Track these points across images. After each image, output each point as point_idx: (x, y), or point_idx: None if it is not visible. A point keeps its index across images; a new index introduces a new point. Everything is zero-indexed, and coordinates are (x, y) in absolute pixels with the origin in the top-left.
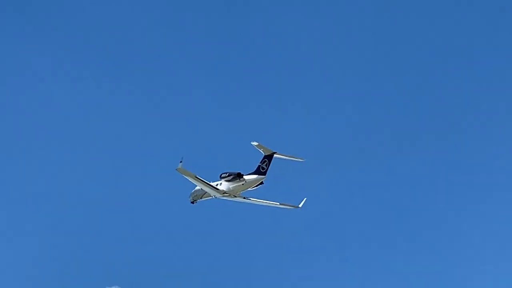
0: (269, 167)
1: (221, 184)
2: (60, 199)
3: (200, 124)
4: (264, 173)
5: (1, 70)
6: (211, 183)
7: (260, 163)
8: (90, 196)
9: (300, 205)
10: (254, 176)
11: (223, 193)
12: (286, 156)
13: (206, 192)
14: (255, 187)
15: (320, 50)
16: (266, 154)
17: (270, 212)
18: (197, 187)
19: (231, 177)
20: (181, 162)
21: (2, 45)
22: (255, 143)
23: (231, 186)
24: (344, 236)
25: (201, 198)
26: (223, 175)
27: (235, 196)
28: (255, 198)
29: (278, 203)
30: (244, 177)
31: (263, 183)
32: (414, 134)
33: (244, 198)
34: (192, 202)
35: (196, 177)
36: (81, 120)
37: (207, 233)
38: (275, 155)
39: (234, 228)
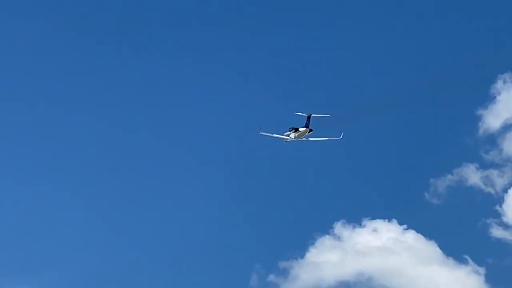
0: (310, 122)
1: (289, 133)
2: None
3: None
4: (308, 126)
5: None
6: (284, 135)
7: (306, 121)
8: None
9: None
10: (304, 128)
11: (292, 138)
12: (317, 114)
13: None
14: (309, 133)
15: None
16: (308, 115)
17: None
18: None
19: (293, 130)
20: (260, 128)
21: None
22: (298, 113)
23: (295, 134)
24: None
25: (286, 140)
26: (290, 129)
27: (300, 139)
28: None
29: (326, 138)
30: (299, 129)
31: (312, 130)
32: None
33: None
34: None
35: (275, 135)
36: None
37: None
38: (312, 115)
39: None
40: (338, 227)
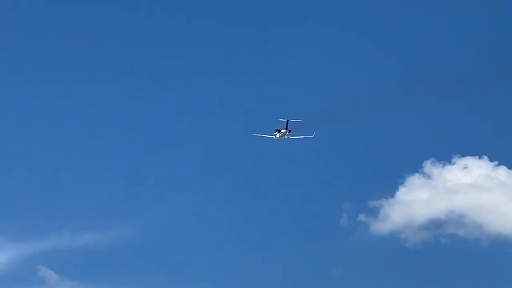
0: (288, 125)
1: (275, 134)
2: None
3: None
4: (287, 128)
5: None
6: (272, 135)
7: (286, 124)
8: None
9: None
10: (284, 130)
11: (277, 137)
12: (291, 119)
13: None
14: (289, 133)
15: None
16: (287, 120)
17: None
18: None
19: (277, 131)
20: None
21: None
22: (281, 119)
23: (279, 134)
24: None
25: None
26: (275, 130)
27: (283, 138)
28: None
29: (302, 136)
30: (281, 130)
31: (291, 131)
32: None
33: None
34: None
35: (264, 135)
36: None
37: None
38: (290, 120)
39: None
40: (428, 166)
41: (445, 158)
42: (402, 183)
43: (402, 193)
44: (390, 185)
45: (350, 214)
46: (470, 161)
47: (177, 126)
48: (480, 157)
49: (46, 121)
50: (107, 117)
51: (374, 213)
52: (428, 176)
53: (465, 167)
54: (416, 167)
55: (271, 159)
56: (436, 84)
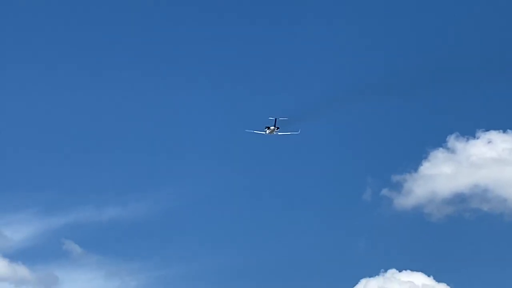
0: (277, 122)
1: (266, 130)
2: None
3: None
4: (275, 125)
5: None
6: (262, 131)
7: (274, 122)
8: None
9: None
10: (273, 127)
11: (267, 133)
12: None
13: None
14: (277, 130)
15: None
16: (275, 119)
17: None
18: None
19: (267, 128)
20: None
21: None
22: (270, 118)
23: (268, 130)
24: None
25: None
26: (265, 127)
27: (272, 134)
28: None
29: (289, 133)
30: (270, 127)
31: (279, 128)
32: None
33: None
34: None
35: (256, 131)
36: None
37: None
38: (278, 118)
39: None
40: (452, 140)
41: (469, 133)
42: (425, 157)
43: (426, 168)
44: (413, 160)
45: (373, 189)
46: (494, 135)
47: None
48: (504, 131)
49: (75, 98)
50: (131, 99)
51: (397, 187)
52: (452, 151)
53: (489, 141)
54: (440, 142)
55: (297, 135)
56: (460, 60)
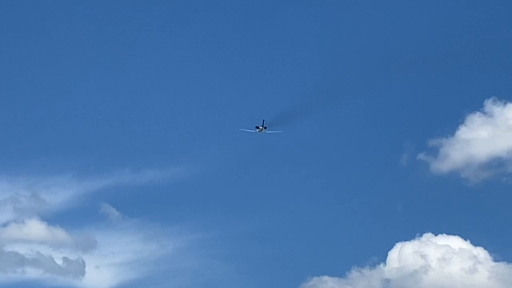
0: (264, 122)
1: (256, 130)
2: None
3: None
4: (263, 125)
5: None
6: (253, 130)
7: (262, 122)
8: None
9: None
10: (261, 127)
11: (257, 131)
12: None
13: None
14: (265, 129)
15: None
16: (263, 120)
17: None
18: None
19: (257, 127)
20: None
21: None
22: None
23: (258, 129)
24: None
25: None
26: (255, 127)
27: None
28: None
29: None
30: (259, 127)
31: (266, 128)
32: None
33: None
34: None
35: (246, 130)
36: None
37: None
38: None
39: None
40: (489, 104)
41: (506, 96)
42: (462, 122)
43: (463, 132)
44: (450, 124)
45: (409, 153)
46: None
47: None
48: None
49: (116, 61)
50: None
51: (433, 152)
52: (489, 115)
53: None
54: (477, 106)
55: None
56: (497, 24)
